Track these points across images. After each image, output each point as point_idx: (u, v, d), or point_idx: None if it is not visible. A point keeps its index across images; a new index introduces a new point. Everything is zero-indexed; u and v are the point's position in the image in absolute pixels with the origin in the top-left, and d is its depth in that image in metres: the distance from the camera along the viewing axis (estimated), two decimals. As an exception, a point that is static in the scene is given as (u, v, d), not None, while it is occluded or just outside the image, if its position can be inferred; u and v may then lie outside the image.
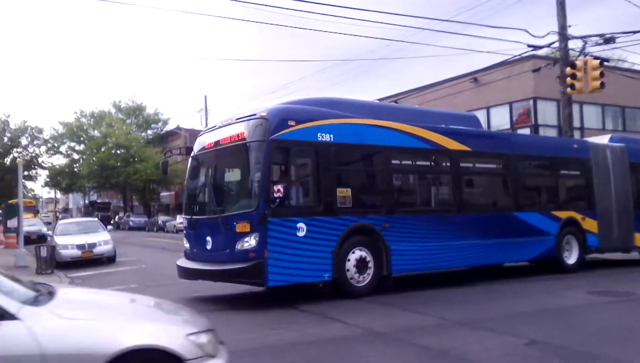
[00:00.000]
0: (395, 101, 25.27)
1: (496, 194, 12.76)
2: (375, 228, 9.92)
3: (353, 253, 9.67)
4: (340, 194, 9.68)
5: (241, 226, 8.98)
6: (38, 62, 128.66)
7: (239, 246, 8.99)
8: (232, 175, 10.28)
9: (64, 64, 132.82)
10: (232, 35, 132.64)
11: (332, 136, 9.74)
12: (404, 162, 11.26)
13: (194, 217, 10.40)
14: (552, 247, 12.60)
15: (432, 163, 11.68)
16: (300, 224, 9.18)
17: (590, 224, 13.34)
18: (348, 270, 9.58)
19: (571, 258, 13.04)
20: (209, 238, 9.73)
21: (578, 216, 13.16)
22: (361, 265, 9.71)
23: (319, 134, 9.64)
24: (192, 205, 10.76)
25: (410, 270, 10.78)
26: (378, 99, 30.27)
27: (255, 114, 9.55)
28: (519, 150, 12.69)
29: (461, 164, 11.66)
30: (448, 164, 11.58)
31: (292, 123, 9.39)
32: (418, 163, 11.50)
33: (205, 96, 59.53)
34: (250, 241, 8.88)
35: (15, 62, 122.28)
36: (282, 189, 9.14)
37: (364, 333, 7.19)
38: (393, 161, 10.77)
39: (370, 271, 9.80)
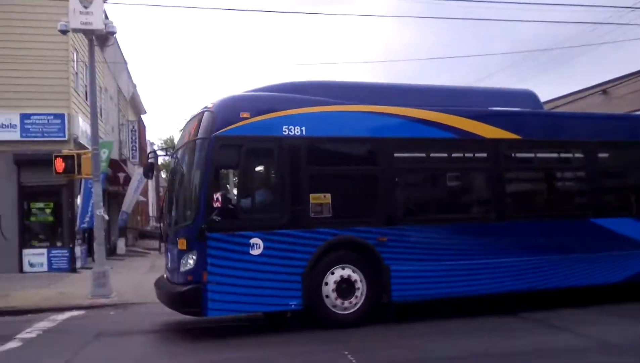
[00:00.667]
0: (604, 91, 21.54)
1: (559, 195, 9.87)
2: (368, 242, 7.92)
3: (332, 274, 7.79)
4: (314, 201, 7.81)
5: (181, 243, 7.53)
6: None
7: (182, 267, 7.53)
8: (182, 180, 8.49)
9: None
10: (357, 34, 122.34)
11: (303, 128, 7.93)
12: (412, 157, 8.93)
13: (163, 227, 9.11)
14: None
15: (458, 158, 9.20)
16: (255, 240, 7.47)
17: None
18: (327, 296, 7.75)
19: None
20: (168, 254, 8.41)
21: None
22: (345, 288, 7.81)
23: (285, 127, 7.88)
24: (165, 213, 9.20)
25: (420, 296, 8.36)
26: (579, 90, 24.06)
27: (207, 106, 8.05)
28: (597, 136, 9.47)
29: (504, 157, 9.00)
30: (484, 157, 8.94)
31: (246, 115, 7.73)
32: (435, 157, 9.03)
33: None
34: (189, 261, 7.40)
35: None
36: (229, 198, 7.70)
37: None
38: (396, 157, 8.47)
39: (360, 295, 7.87)
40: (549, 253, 8.80)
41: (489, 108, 9.23)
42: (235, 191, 7.84)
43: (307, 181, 7.86)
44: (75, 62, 17.99)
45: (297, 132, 7.90)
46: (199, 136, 7.69)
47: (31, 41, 16.60)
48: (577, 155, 9.60)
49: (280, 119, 7.88)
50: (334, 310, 7.76)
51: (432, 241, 8.30)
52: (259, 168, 8.50)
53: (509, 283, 8.61)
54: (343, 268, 7.83)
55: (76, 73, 18.14)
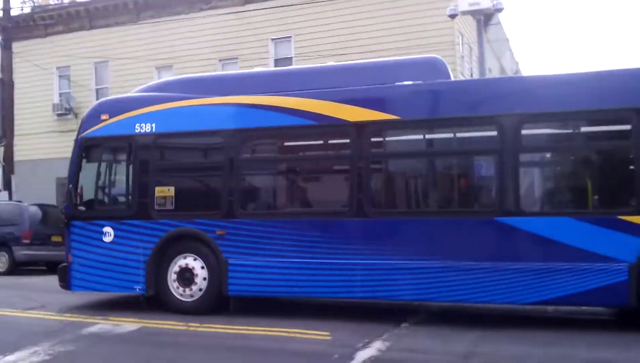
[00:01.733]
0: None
1: (448, 186, 8.33)
2: (206, 235, 8.19)
3: (175, 263, 8.37)
4: (159, 195, 8.44)
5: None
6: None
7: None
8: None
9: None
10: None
11: (153, 125, 8.56)
12: (256, 149, 8.87)
13: None
14: (617, 285, 6.77)
15: (311, 146, 8.87)
16: (107, 229, 8.56)
17: None
18: (172, 284, 8.37)
19: None
20: None
21: None
22: (188, 277, 8.28)
23: (137, 125, 8.62)
24: None
25: (259, 293, 8.13)
26: None
27: None
28: (537, 106, 7.26)
29: (373, 143, 7.97)
30: (346, 144, 8.08)
31: (105, 117, 8.78)
32: (283, 147, 8.90)
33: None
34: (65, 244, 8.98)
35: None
36: (88, 191, 8.97)
37: None
38: (238, 149, 8.31)
39: (200, 285, 8.23)
40: (427, 259, 7.38)
41: (364, 86, 8.05)
42: (94, 186, 9.02)
43: (154, 175, 8.54)
44: (460, 46, 18.40)
45: (148, 129, 8.57)
46: (75, 137, 9.03)
47: (418, 32, 17.49)
48: (486, 134, 7.72)
49: (133, 118, 8.64)
50: (178, 297, 8.33)
51: (274, 236, 7.99)
52: (116, 164, 9.10)
53: (362, 290, 7.71)
54: (185, 258, 8.33)
55: (462, 57, 18.49)
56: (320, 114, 7.94)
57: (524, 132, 7.28)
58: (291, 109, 8.06)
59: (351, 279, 7.65)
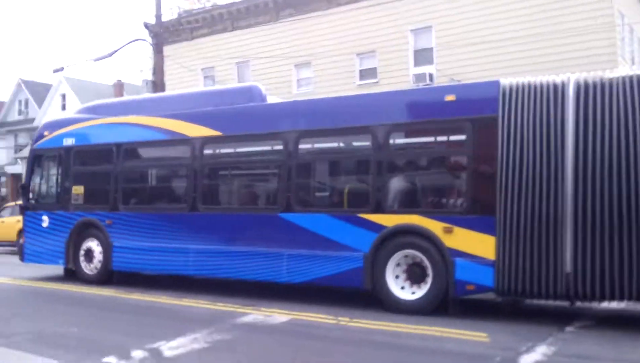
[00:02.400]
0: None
1: (253, 189, 10.38)
2: (100, 223, 10.83)
3: (82, 245, 11.06)
4: (74, 192, 11.33)
5: None
6: None
7: None
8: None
9: None
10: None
11: (74, 140, 11.40)
12: (134, 157, 11.18)
13: None
14: (355, 270, 8.21)
15: (166, 155, 10.92)
16: (44, 217, 11.58)
17: (469, 242, 7.56)
18: (81, 260, 11.05)
19: (417, 293, 7.95)
20: None
21: (433, 225, 7.81)
22: (90, 255, 10.98)
23: (64, 139, 11.51)
24: None
25: (132, 269, 10.59)
26: None
27: None
28: (304, 125, 9.07)
29: (203, 154, 9.94)
30: (187, 154, 10.05)
31: (47, 133, 11.86)
32: (149, 157, 11.29)
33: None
34: None
35: None
36: (35, 189, 12.09)
37: None
38: (123, 158, 10.83)
39: (98, 262, 10.86)
40: (239, 245, 9.29)
41: (202, 109, 10.14)
42: (38, 186, 12.13)
43: (72, 177, 11.42)
44: (621, 27, 17.90)
45: (70, 143, 11.42)
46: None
47: (572, 13, 17.13)
48: (267, 148, 9.78)
49: (62, 134, 11.57)
50: (85, 270, 11.04)
51: (140, 226, 10.46)
52: (51, 169, 11.94)
53: (209, 270, 9.69)
54: (89, 241, 11.00)
55: (622, 39, 18.02)
56: (172, 131, 10.24)
57: (301, 146, 9.03)
58: (156, 126, 10.43)
59: (186, 259, 9.84)
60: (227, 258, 9.39)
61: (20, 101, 42.33)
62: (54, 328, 7.30)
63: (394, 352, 6.21)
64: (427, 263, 7.82)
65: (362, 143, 9.00)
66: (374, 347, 6.40)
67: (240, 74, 24.31)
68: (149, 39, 21.71)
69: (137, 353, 5.85)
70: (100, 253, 10.80)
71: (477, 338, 6.58)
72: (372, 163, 8.44)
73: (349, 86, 20.63)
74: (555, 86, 7.31)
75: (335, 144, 9.57)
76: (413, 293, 7.97)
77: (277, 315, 7.91)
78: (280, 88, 22.23)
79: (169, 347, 6.12)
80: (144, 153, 11.18)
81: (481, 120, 7.65)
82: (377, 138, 8.34)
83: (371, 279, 8.13)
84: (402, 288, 8.02)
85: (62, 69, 21.54)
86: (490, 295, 7.70)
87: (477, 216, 7.55)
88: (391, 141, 8.43)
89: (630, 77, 7.03)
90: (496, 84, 7.63)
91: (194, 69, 24.78)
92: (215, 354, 6.00)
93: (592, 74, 7.28)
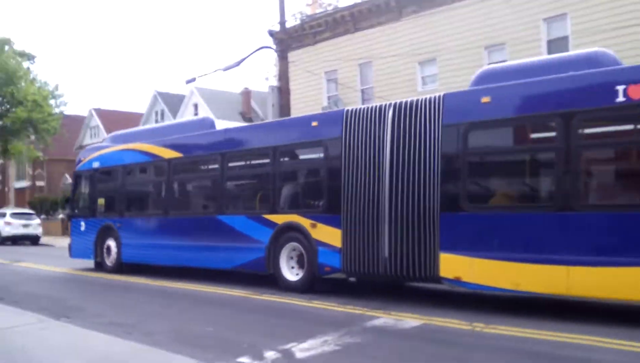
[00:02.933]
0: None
1: (202, 197, 13.73)
2: (114, 226, 14.40)
3: (104, 242, 14.66)
4: (99, 203, 15.16)
5: None
6: None
7: None
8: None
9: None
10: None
11: (98, 163, 15.27)
12: (135, 175, 14.64)
13: None
14: (261, 258, 10.87)
15: (154, 173, 14.24)
16: (82, 222, 15.48)
17: (326, 234, 9.90)
18: (103, 254, 14.67)
19: (299, 274, 10.42)
20: None
21: (304, 222, 10.23)
22: (110, 251, 14.55)
23: (92, 163, 15.44)
24: None
25: (135, 260, 13.95)
26: None
27: None
28: (230, 147, 12.00)
29: (174, 171, 13.24)
30: (165, 172, 13.48)
31: (83, 158, 16.02)
32: (144, 175, 14.65)
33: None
34: None
35: None
36: (78, 202, 15.94)
37: None
38: (128, 176, 14.48)
39: (113, 256, 14.45)
40: (197, 241, 12.28)
41: (176, 136, 13.34)
42: (81, 199, 15.90)
43: (97, 191, 15.25)
44: None
45: (96, 165, 15.31)
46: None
47: None
48: (214, 165, 12.39)
49: (91, 159, 15.52)
50: (106, 262, 14.58)
51: (139, 227, 13.96)
52: (86, 186, 15.73)
53: (181, 260, 12.69)
54: (107, 240, 14.60)
55: None
56: (155, 154, 13.60)
57: (228, 164, 12.00)
58: (146, 151, 13.81)
59: (165, 253, 13.02)
60: (188, 251, 12.39)
61: (156, 112, 45.23)
62: (190, 327, 7.64)
63: (534, 360, 5.81)
64: (303, 251, 10.27)
65: (264, 160, 11.51)
66: (514, 353, 6.06)
67: (363, 75, 24.30)
68: (274, 46, 22.31)
69: (270, 354, 5.94)
70: (114, 248, 14.35)
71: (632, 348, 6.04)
72: (270, 175, 11.07)
73: (476, 82, 19.94)
74: (380, 110, 9.42)
75: (248, 162, 12.21)
76: (297, 275, 10.47)
77: (409, 319, 7.75)
78: (404, 87, 21.97)
79: (300, 349, 6.16)
80: (138, 171, 14.60)
81: (332, 141, 9.97)
82: (271, 156, 11.08)
83: (272, 265, 10.70)
84: (292, 268, 10.57)
85: (194, 79, 22.62)
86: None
87: (331, 214, 9.86)
88: (281, 159, 11.13)
89: (432, 98, 8.93)
90: (342, 111, 10.09)
91: (317, 73, 25.15)
92: (347, 357, 5.94)
93: (409, 98, 9.26)
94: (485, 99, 8.33)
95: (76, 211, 15.86)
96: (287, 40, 22.64)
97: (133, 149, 14.18)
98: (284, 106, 20.82)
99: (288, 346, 6.23)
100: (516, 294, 8.29)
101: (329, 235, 9.83)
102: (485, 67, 9.87)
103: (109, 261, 14.53)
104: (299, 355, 5.94)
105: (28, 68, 44.83)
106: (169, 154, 13.21)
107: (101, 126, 48.51)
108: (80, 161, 15.95)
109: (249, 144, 11.79)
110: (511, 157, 8.73)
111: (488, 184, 8.87)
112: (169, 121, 42.48)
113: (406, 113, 9.10)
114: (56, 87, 45.40)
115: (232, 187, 12.52)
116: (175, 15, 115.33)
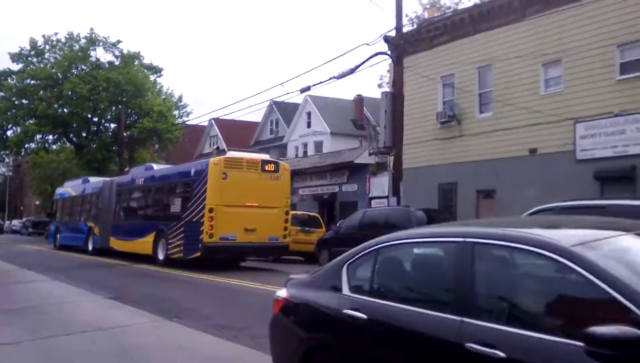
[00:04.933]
0: None
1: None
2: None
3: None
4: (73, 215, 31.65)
5: None
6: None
7: None
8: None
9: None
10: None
11: (72, 190, 32.43)
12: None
13: None
14: (84, 239, 28.35)
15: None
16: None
17: (97, 231, 27.01)
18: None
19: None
20: None
21: (93, 225, 27.62)
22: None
23: (69, 190, 32.98)
24: None
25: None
26: None
27: None
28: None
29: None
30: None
31: (58, 191, 35.41)
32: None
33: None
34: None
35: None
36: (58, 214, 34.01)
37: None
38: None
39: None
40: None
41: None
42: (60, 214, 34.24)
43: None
44: None
45: (70, 194, 32.60)
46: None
47: None
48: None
49: (65, 190, 34.00)
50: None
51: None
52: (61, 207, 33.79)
53: None
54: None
55: None
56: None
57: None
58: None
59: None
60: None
61: (271, 121, 46.73)
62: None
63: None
64: None
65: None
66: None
67: (482, 79, 23.62)
68: (389, 52, 22.29)
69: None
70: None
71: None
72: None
73: (606, 82, 18.72)
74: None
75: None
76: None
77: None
78: (525, 90, 21.12)
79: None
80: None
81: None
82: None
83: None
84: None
85: (308, 88, 23.10)
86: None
87: None
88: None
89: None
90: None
91: (433, 78, 24.80)
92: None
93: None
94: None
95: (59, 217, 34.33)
96: (403, 46, 22.50)
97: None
98: (396, 112, 20.72)
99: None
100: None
101: None
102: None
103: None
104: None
105: (155, 80, 48.04)
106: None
107: (219, 135, 50.78)
108: (56, 193, 31.19)
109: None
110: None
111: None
112: (284, 128, 43.67)
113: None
114: (180, 98, 48.20)
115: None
116: (289, 26, 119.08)
